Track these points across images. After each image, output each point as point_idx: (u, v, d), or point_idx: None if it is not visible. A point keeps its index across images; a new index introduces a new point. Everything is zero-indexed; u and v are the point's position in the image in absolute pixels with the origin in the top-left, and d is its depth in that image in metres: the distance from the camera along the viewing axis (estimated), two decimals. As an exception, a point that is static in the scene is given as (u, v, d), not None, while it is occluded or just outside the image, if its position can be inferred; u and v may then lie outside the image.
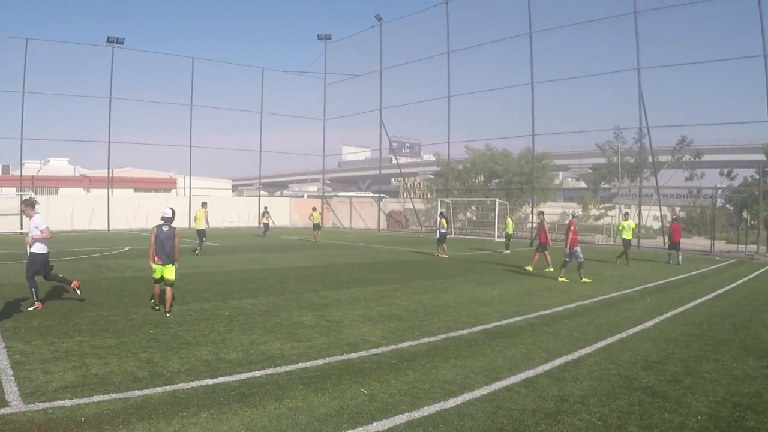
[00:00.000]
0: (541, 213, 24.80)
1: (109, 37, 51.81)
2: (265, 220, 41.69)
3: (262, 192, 69.55)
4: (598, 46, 53.66)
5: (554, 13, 50.73)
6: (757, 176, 48.23)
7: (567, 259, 19.53)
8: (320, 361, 8.75)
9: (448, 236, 29.19)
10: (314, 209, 39.73)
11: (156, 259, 12.28)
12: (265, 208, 44.61)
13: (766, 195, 39.46)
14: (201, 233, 27.42)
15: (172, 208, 12.77)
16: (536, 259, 22.77)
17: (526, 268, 22.44)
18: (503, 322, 11.90)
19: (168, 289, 12.26)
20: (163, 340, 9.87)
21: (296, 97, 72.38)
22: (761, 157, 48.98)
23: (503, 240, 35.07)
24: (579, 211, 21.29)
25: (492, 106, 60.95)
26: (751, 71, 37.63)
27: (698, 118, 63.25)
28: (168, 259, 12.34)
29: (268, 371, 8.18)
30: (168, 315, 11.97)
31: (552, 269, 21.98)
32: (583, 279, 18.94)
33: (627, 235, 26.70)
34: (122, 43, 52.16)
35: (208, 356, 8.87)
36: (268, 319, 11.83)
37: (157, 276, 12.39)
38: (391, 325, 11.38)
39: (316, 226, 38.10)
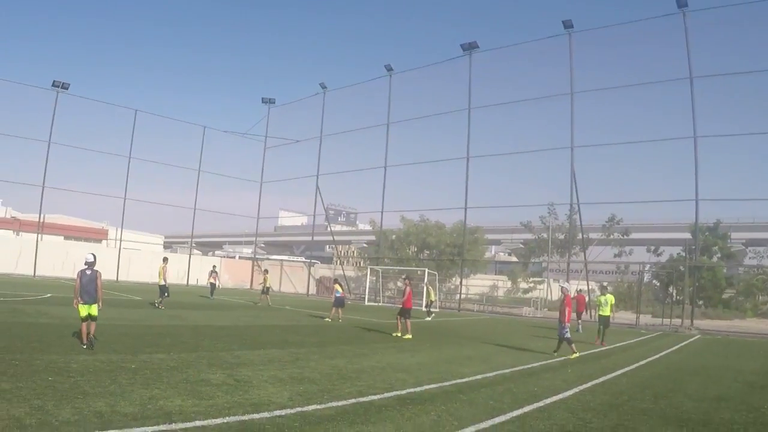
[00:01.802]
0: (407, 278, 24.44)
1: (54, 80, 51.20)
2: (212, 280, 39.55)
3: (194, 251, 68.48)
4: (534, 124, 55.00)
5: (493, 91, 51.92)
6: (683, 254, 49.46)
7: (567, 336, 18.38)
8: (218, 420, 8.18)
9: (346, 301, 29.08)
10: (266, 272, 39.11)
11: (81, 299, 13.38)
12: (213, 266, 42.64)
13: (692, 271, 40.30)
14: (163, 288, 27.21)
15: (93, 254, 14.14)
16: (400, 325, 22.14)
17: (393, 334, 21.95)
18: (418, 389, 11.45)
19: (92, 324, 13.50)
20: (61, 388, 9.18)
21: (235, 157, 72.08)
22: (687, 235, 50.33)
23: (424, 308, 34.98)
24: (568, 286, 20.59)
25: (428, 177, 61.63)
26: (682, 152, 38.81)
27: (628, 197, 64.77)
28: (91, 298, 13.50)
29: (162, 427, 7.59)
30: (93, 344, 13.21)
31: (410, 336, 21.53)
32: (557, 353, 18.39)
33: (605, 311, 23.89)
34: (67, 89, 51.64)
35: (103, 408, 8.22)
36: (175, 374, 11.16)
37: (83, 314, 13.40)
38: (300, 388, 10.83)
39: (267, 290, 37.28)
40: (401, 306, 22.47)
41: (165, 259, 29.08)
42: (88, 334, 13.38)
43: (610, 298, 24.35)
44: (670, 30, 40.09)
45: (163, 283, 27.30)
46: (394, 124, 55.87)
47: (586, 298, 30.89)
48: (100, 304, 13.83)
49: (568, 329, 18.42)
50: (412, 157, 58.20)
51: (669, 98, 43.64)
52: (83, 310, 13.40)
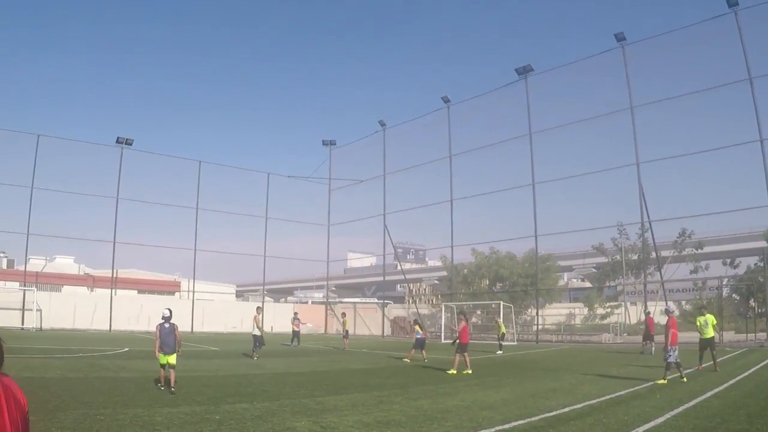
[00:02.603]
0: (461, 313, 24.00)
1: (118, 137, 52.88)
2: (295, 327, 38.05)
3: (267, 298, 69.26)
4: (597, 144, 54.34)
5: (552, 113, 51.61)
6: (761, 264, 47.84)
7: (670, 360, 17.97)
8: (310, 470, 8.26)
9: (426, 341, 28.70)
10: (344, 315, 39.44)
11: (161, 350, 14.83)
12: (295, 313, 41.91)
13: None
14: (257, 338, 27.27)
15: (169, 308, 15.62)
16: (457, 361, 21.64)
17: (448, 372, 21.49)
18: (506, 426, 11.30)
19: (171, 371, 14.75)
20: (148, 443, 9.38)
21: (301, 202, 73.10)
22: (763, 244, 48.78)
23: (497, 341, 34.68)
24: (673, 307, 19.95)
25: (495, 207, 61.19)
26: (749, 158, 37.87)
27: (698, 209, 63.15)
28: (170, 349, 14.86)
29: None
30: (173, 391, 14.25)
31: (470, 371, 21.28)
32: (684, 378, 17.95)
33: (708, 333, 21.68)
34: (131, 144, 53.29)
35: (191, 462, 8.40)
36: (260, 424, 11.18)
37: (162, 362, 14.89)
38: (388, 432, 10.85)
39: (346, 333, 37.68)
40: (459, 342, 22.12)
41: (258, 309, 29.16)
42: (167, 378, 14.76)
43: (711, 319, 22.20)
44: (723, 32, 39.49)
45: (257, 332, 27.23)
46: (457, 155, 55.98)
47: (656, 321, 30.40)
48: (179, 351, 15.32)
49: (671, 353, 17.92)
50: (477, 188, 57.91)
51: (730, 102, 42.85)
52: (162, 359, 14.88)
